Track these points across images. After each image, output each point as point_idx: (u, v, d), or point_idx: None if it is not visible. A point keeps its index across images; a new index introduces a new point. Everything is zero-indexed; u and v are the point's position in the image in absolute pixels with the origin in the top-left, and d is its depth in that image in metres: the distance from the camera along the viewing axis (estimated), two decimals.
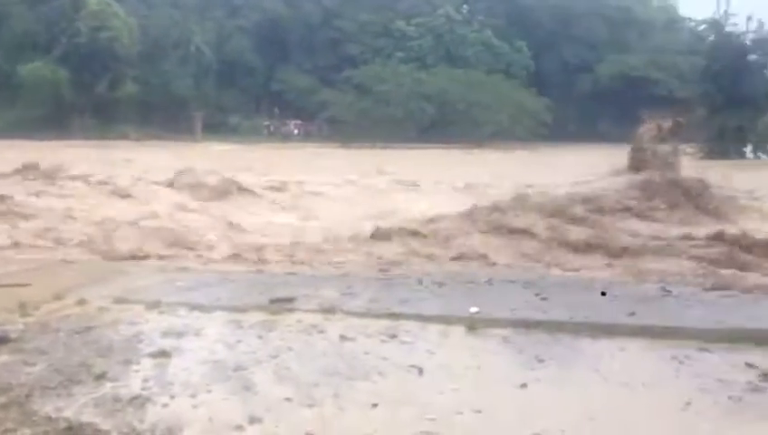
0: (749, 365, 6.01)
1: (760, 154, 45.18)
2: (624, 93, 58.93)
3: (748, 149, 45.60)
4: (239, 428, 4.69)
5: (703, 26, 51.40)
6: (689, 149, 44.85)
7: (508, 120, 54.53)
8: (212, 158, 32.38)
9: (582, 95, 62.53)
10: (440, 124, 54.59)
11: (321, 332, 6.73)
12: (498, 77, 58.42)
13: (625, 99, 58.46)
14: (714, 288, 8.83)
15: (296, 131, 60.13)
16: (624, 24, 68.05)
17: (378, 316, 7.24)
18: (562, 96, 60.78)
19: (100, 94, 53.27)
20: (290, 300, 7.84)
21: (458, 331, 6.88)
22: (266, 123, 61.15)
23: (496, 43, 62.65)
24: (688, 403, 5.25)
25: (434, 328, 6.91)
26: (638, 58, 63.02)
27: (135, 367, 5.72)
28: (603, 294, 8.48)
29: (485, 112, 54.52)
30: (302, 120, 60.54)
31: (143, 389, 5.25)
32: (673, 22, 71.98)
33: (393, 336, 6.63)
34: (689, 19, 60.27)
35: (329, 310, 7.40)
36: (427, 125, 55.10)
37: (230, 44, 60.16)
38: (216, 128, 54.63)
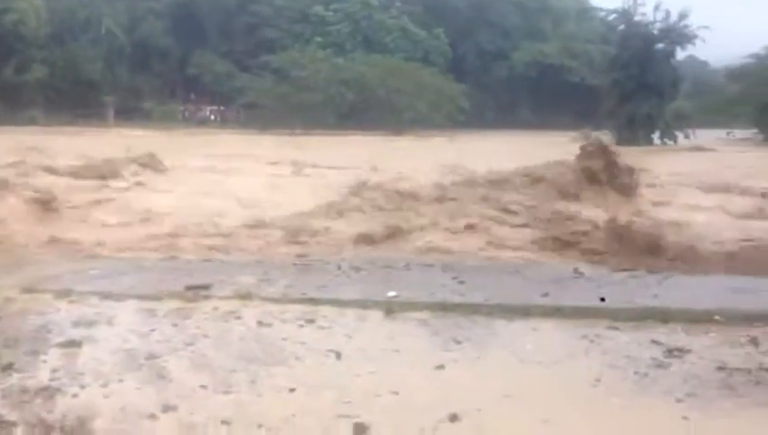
0: (654, 342, 6.25)
1: (666, 140, 46.72)
2: (539, 80, 60.16)
3: (656, 136, 47.05)
4: (152, 416, 4.61)
5: (613, 16, 52.61)
6: (602, 137, 46.29)
7: (427, 108, 54.78)
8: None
9: (499, 82, 63.44)
10: (360, 111, 54.44)
11: (238, 318, 6.66)
12: (416, 64, 58.58)
13: (540, 86, 59.86)
14: (623, 269, 9.15)
15: (212, 117, 59.09)
16: (539, 12, 69.24)
17: (295, 302, 7.22)
18: (480, 83, 61.54)
19: (6, 78, 51.08)
20: (206, 287, 7.73)
21: (376, 315, 6.91)
22: (182, 109, 59.85)
23: (414, 29, 62.82)
24: (598, 380, 5.42)
25: (351, 313, 6.92)
26: (552, 46, 64.34)
27: (43, 357, 5.54)
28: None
29: (405, 99, 54.61)
30: (219, 106, 59.55)
31: (52, 379, 5.10)
32: (585, 11, 73.61)
33: (311, 321, 6.61)
34: (600, 9, 61.74)
35: (245, 296, 7.33)
36: (347, 111, 54.87)
37: (143, 27, 58.42)
38: (130, 113, 53.12)
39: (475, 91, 58.99)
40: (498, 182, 13.21)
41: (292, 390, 5.08)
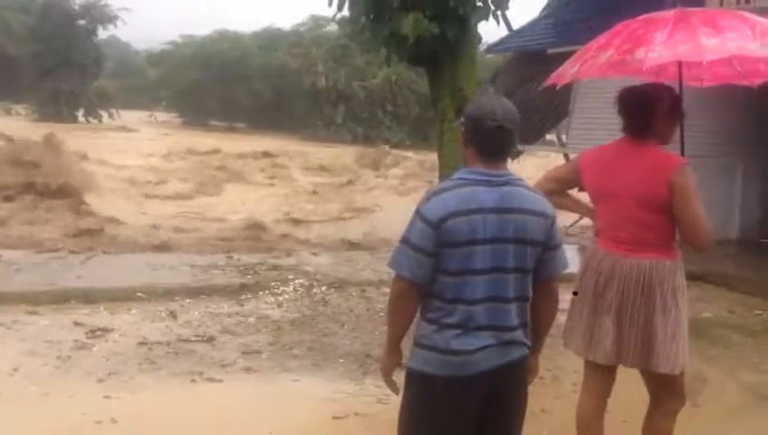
0: (77, 324, 6.17)
1: (91, 119, 46.24)
2: None
3: (81, 114, 46.23)
4: None
5: None
6: (22, 111, 43.74)
7: None
8: None
9: None
10: None
11: None
12: None
13: None
14: (45, 250, 8.82)
15: None
16: None
17: None
18: None
19: None
20: None
21: None
22: None
23: None
24: (16, 369, 5.12)
25: None
26: None
27: None
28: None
29: None
30: None
31: None
32: None
33: None
34: None
35: None
36: None
37: None
38: None
39: None
40: None
41: None
